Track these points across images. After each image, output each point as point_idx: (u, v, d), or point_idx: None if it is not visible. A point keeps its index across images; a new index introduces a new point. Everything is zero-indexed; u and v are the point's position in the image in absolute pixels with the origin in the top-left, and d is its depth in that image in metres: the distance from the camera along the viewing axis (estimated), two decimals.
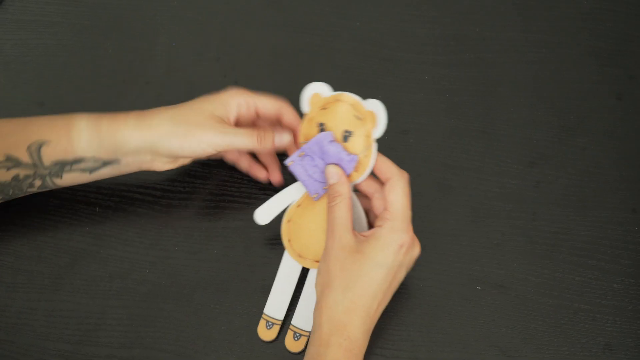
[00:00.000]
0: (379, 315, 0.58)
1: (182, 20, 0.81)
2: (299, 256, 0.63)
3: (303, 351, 0.62)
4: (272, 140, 0.62)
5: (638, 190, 0.69)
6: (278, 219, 0.64)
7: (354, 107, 0.60)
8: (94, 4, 0.82)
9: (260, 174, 0.68)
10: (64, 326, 0.64)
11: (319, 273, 0.58)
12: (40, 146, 0.60)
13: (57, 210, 0.68)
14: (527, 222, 0.68)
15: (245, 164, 0.68)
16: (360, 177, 0.60)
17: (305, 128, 0.62)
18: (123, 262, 0.67)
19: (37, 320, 0.64)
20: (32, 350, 0.63)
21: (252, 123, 0.65)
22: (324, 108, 0.61)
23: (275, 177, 0.68)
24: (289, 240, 0.63)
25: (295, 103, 0.63)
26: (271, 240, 0.66)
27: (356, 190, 0.62)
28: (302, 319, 0.62)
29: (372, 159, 0.60)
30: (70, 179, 0.62)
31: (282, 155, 0.68)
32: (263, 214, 0.63)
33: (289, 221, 0.63)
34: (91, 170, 0.62)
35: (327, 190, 0.61)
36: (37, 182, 0.62)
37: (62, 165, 0.61)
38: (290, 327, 0.62)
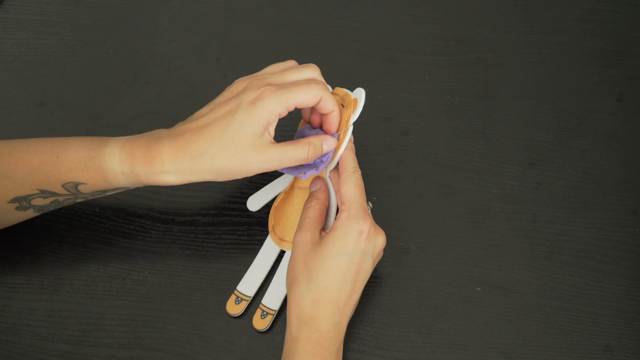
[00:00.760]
0: (352, 307, 0.58)
1: (183, 20, 0.81)
2: (280, 240, 0.65)
3: (268, 330, 0.63)
4: (320, 149, 0.60)
5: (638, 192, 0.69)
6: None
7: (343, 98, 0.62)
8: (95, 3, 0.82)
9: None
10: (64, 326, 0.64)
11: (287, 272, 0.59)
12: (76, 185, 0.59)
13: (57, 210, 0.68)
14: (528, 224, 0.68)
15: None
16: (333, 163, 0.62)
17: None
18: (123, 262, 0.66)
19: (37, 321, 0.64)
20: (32, 350, 0.63)
21: None
22: None
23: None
24: (273, 226, 0.65)
25: None
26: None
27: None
28: (271, 298, 0.63)
29: (345, 142, 0.61)
30: (113, 193, 0.63)
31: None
32: (254, 201, 0.67)
33: (275, 208, 0.66)
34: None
35: (315, 170, 0.61)
36: (79, 200, 0.63)
37: (104, 192, 0.61)
38: (260, 305, 0.63)
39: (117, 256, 0.67)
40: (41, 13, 0.81)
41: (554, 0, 0.81)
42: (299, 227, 0.59)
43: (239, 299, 0.64)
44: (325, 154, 0.61)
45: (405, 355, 0.62)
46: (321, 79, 0.60)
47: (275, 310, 0.63)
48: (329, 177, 0.63)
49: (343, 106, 0.62)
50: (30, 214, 0.62)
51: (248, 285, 0.64)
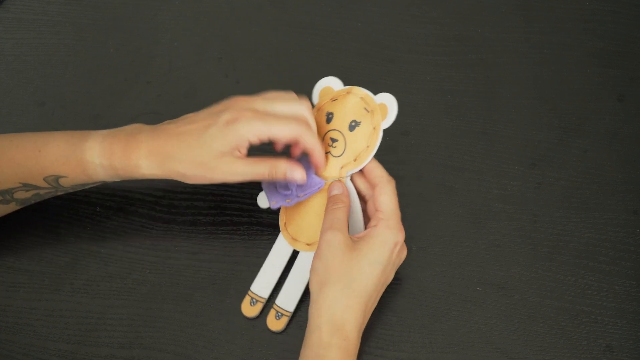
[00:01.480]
0: (370, 313, 0.59)
1: (184, 19, 0.81)
2: (293, 239, 0.64)
3: (282, 331, 0.62)
4: (283, 175, 0.60)
5: (639, 192, 0.69)
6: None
7: (364, 99, 0.62)
8: (96, 3, 0.82)
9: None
10: (64, 326, 0.64)
11: (314, 271, 0.58)
12: (57, 179, 0.61)
13: (57, 210, 0.68)
14: (528, 224, 0.68)
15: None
16: (358, 167, 0.62)
17: (315, 115, 0.63)
18: (123, 262, 0.66)
19: (38, 320, 0.64)
20: (33, 350, 0.63)
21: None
22: (334, 99, 0.63)
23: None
24: (285, 224, 0.65)
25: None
26: (272, 241, 0.66)
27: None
28: (286, 298, 0.63)
29: (375, 149, 0.61)
30: (94, 185, 0.64)
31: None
32: (263, 198, 0.66)
33: (286, 206, 0.65)
34: (113, 182, 0.64)
35: (287, 203, 0.62)
36: (59, 194, 0.64)
37: (84, 185, 0.63)
38: (274, 306, 0.63)
39: (117, 256, 0.67)
40: (42, 12, 0.81)
41: (554, 1, 0.81)
42: (329, 227, 0.58)
43: (254, 300, 0.63)
44: (305, 190, 0.61)
45: (405, 355, 0.62)
46: (308, 114, 0.61)
47: (290, 312, 0.62)
48: (350, 179, 0.62)
49: (367, 111, 0.61)
50: (12, 207, 0.64)
51: (262, 285, 0.64)
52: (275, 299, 0.63)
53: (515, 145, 0.72)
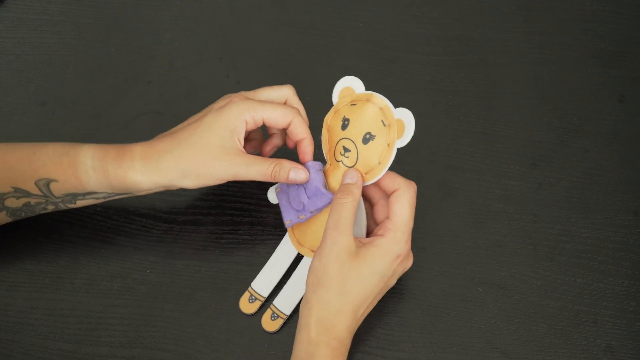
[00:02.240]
0: (365, 316, 0.60)
1: (185, 19, 0.81)
2: (298, 243, 0.63)
3: (276, 332, 0.62)
4: (286, 175, 0.60)
5: None
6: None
7: (383, 111, 0.59)
8: (97, 2, 0.82)
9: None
10: (65, 325, 0.64)
11: (312, 270, 0.58)
12: (48, 183, 0.60)
13: (58, 210, 0.68)
14: (529, 224, 0.68)
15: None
16: (368, 182, 0.60)
17: (331, 118, 0.62)
18: (124, 261, 0.66)
19: (38, 320, 0.64)
20: (33, 349, 0.63)
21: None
22: (353, 103, 0.61)
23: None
24: (292, 226, 0.64)
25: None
26: (272, 241, 0.66)
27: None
28: (284, 301, 0.63)
29: (387, 167, 0.59)
30: (84, 203, 0.63)
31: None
32: (273, 193, 0.65)
33: None
34: (105, 198, 0.63)
35: (300, 219, 0.61)
36: (50, 207, 0.63)
37: (74, 196, 0.62)
38: (271, 306, 0.63)
39: (118, 255, 0.67)
40: (43, 12, 0.81)
41: (555, 1, 0.81)
42: (334, 226, 0.57)
43: (253, 297, 0.64)
44: (317, 205, 0.60)
45: (406, 355, 0.62)
46: (295, 99, 0.63)
47: (287, 315, 0.62)
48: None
49: (384, 124, 0.59)
50: (3, 217, 0.63)
51: (263, 284, 0.64)
52: (273, 299, 0.63)
53: (516, 145, 0.72)
